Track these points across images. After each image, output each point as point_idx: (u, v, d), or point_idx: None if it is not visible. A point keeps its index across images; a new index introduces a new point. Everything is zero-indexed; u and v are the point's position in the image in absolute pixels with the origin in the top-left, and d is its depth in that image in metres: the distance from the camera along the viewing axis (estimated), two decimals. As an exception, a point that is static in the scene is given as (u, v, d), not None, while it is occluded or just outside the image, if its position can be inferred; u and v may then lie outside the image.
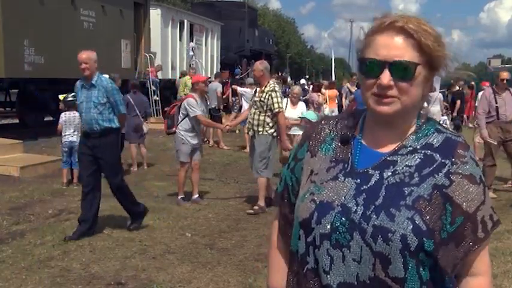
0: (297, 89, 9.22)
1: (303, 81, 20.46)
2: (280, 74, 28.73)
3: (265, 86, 6.58)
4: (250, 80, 13.99)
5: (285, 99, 8.56)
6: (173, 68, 19.46)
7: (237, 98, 14.39)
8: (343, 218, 1.21)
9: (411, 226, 1.16)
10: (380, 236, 1.17)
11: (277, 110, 6.48)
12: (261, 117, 6.57)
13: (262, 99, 6.55)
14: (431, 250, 1.18)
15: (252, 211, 6.60)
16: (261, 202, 6.66)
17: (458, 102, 14.15)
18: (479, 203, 1.23)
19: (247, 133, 6.94)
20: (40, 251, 4.89)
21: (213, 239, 5.53)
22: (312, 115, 6.60)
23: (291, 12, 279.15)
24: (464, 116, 16.60)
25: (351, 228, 1.20)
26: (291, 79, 32.24)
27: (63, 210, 6.41)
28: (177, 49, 19.93)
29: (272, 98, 6.46)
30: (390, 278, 1.18)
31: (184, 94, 10.75)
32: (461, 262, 1.24)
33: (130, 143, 9.39)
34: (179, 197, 7.00)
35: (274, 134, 6.64)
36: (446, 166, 1.23)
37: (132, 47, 16.45)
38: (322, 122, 1.43)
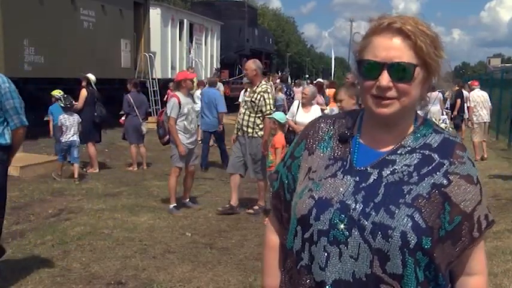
0: (308, 89, 7.66)
1: (319, 79, 19.86)
2: (281, 74, 28.68)
3: (257, 86, 6.36)
4: (246, 79, 13.97)
5: (296, 101, 7.91)
6: (173, 67, 19.46)
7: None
8: (342, 215, 1.22)
9: (411, 223, 1.17)
10: (379, 233, 1.17)
11: (267, 112, 6.29)
12: (251, 119, 6.37)
13: (253, 99, 6.33)
14: (428, 248, 1.18)
15: (252, 211, 6.59)
16: (261, 202, 6.66)
17: (459, 101, 14.14)
18: (476, 203, 1.24)
19: (236, 133, 6.54)
20: (40, 251, 4.89)
21: (213, 238, 5.53)
22: (280, 115, 6.23)
23: (292, 11, 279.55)
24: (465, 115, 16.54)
25: (350, 225, 1.20)
26: (291, 78, 32.13)
27: (63, 210, 6.41)
28: (177, 48, 19.94)
29: (264, 99, 6.27)
30: (388, 274, 1.18)
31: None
32: (456, 260, 1.25)
33: (131, 143, 9.41)
34: (171, 206, 6.49)
35: None
36: (445, 166, 1.24)
37: (132, 47, 16.46)
38: (320, 120, 1.43)
